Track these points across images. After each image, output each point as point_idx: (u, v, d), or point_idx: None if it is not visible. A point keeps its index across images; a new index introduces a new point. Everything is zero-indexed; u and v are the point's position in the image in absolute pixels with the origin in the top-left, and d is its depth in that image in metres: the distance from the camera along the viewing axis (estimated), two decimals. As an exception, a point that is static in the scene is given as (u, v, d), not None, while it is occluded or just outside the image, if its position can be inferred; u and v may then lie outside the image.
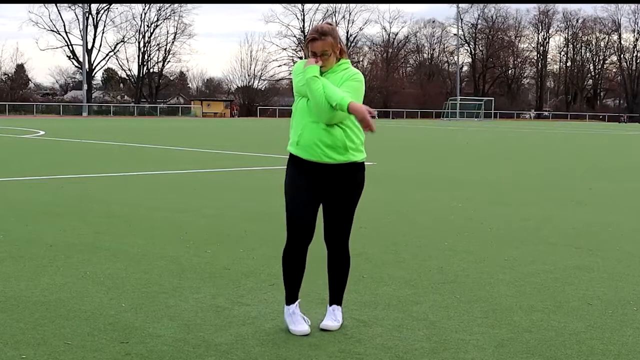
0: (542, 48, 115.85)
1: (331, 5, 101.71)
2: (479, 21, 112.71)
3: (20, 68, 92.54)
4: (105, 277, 5.64)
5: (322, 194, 4.41)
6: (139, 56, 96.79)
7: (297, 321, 4.41)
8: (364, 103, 4.36)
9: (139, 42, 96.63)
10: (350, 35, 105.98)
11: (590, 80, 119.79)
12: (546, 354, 4.10)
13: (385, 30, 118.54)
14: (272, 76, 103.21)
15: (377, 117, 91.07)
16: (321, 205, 4.47)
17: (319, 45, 4.31)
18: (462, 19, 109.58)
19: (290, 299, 4.49)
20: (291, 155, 4.42)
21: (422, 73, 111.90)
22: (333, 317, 4.50)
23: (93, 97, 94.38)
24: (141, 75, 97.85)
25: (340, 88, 4.27)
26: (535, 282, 5.74)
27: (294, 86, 4.43)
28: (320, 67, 4.31)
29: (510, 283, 5.69)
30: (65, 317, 4.60)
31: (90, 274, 5.73)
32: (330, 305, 4.57)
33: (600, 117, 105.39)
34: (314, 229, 4.41)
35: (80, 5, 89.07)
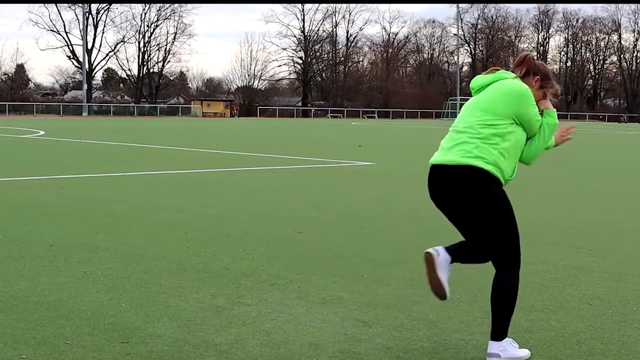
0: (542, 48, 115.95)
1: (331, 5, 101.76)
2: (479, 21, 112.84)
3: (20, 68, 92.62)
4: (105, 277, 5.64)
5: None
6: (139, 56, 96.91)
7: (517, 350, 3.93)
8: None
9: (139, 42, 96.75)
10: (350, 35, 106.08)
11: (590, 80, 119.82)
12: (546, 354, 4.10)
13: (385, 30, 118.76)
14: (272, 76, 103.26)
15: (377, 117, 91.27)
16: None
17: (551, 92, 4.07)
18: (462, 19, 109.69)
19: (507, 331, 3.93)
20: (494, 177, 3.85)
21: (422, 73, 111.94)
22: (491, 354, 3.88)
23: (93, 97, 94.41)
24: (141, 75, 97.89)
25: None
26: (535, 282, 5.74)
27: (522, 113, 3.88)
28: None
29: (510, 283, 5.68)
30: (65, 317, 4.60)
31: (90, 274, 5.73)
32: (491, 339, 3.92)
33: (600, 117, 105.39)
34: None
35: (80, 5, 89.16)
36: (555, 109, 4.11)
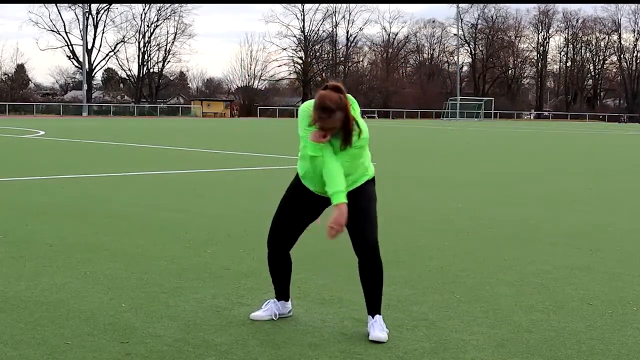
0: (542, 48, 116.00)
1: (331, 5, 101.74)
2: (479, 21, 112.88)
3: (20, 68, 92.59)
4: (105, 277, 5.64)
5: (322, 208, 4.44)
6: (139, 56, 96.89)
7: (264, 308, 4.56)
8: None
9: (139, 42, 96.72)
10: (350, 35, 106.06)
11: (590, 80, 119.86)
12: (546, 354, 4.10)
13: (385, 30, 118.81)
14: (272, 76, 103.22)
15: (377, 117, 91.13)
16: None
17: (327, 122, 4.06)
18: (462, 19, 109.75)
19: (277, 294, 4.60)
20: (298, 175, 4.43)
21: (422, 73, 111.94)
22: (380, 327, 4.29)
23: (93, 97, 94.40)
24: (141, 75, 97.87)
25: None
26: (535, 282, 5.74)
27: (300, 129, 4.23)
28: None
29: (510, 283, 5.69)
30: (65, 317, 4.60)
31: (90, 274, 5.73)
32: (372, 315, 4.35)
33: (600, 117, 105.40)
34: (295, 240, 4.51)
35: (80, 5, 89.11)
36: (314, 143, 4.10)
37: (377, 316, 4.35)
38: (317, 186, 4.29)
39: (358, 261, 4.37)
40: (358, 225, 4.28)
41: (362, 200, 4.29)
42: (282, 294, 4.60)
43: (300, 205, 4.41)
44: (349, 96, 4.15)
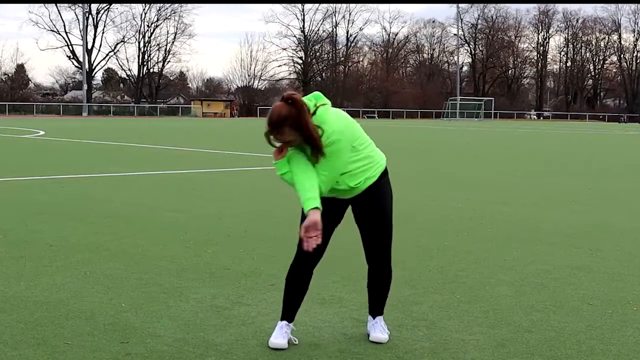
0: (542, 48, 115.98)
1: (331, 5, 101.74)
2: (479, 21, 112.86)
3: (20, 68, 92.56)
4: (105, 277, 5.64)
5: (344, 209, 4.17)
6: (139, 56, 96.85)
7: (279, 334, 4.14)
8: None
9: (139, 42, 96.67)
10: (350, 35, 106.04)
11: (590, 80, 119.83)
12: (546, 354, 4.10)
13: (385, 30, 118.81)
14: (272, 76, 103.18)
15: (377, 117, 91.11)
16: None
17: (279, 138, 3.85)
18: (462, 19, 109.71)
19: (286, 316, 4.23)
20: None
21: (422, 73, 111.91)
22: (381, 329, 4.27)
23: (93, 97, 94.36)
24: (141, 75, 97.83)
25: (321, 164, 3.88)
26: (535, 282, 5.74)
27: None
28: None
29: (510, 283, 5.69)
30: (65, 317, 4.60)
31: (90, 274, 5.73)
32: (374, 317, 4.31)
33: (600, 117, 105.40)
34: (324, 252, 4.15)
35: (80, 5, 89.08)
36: (274, 161, 3.99)
37: (378, 317, 4.32)
38: (331, 191, 4.03)
39: (368, 268, 4.24)
40: (372, 233, 4.11)
41: (377, 200, 4.08)
42: (292, 315, 4.24)
43: (326, 213, 3.99)
44: (312, 95, 3.94)
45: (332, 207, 4.10)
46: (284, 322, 4.20)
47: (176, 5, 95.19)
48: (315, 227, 3.78)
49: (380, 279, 4.25)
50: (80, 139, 27.53)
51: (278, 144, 3.92)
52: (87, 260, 6.21)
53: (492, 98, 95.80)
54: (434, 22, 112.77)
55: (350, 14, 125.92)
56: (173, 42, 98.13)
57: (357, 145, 4.01)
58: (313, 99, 3.93)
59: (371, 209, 4.09)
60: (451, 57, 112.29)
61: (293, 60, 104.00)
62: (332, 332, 4.42)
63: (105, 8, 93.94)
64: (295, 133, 3.80)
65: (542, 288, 5.55)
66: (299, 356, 4.01)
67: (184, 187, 11.85)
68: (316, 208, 3.79)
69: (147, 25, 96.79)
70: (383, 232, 4.15)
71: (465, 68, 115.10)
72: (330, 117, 3.90)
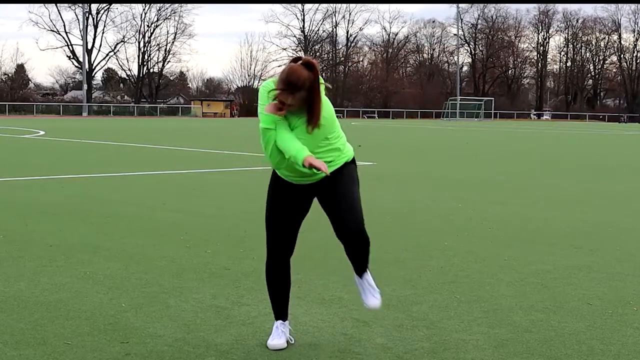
0: (542, 48, 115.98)
1: (331, 5, 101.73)
2: (479, 21, 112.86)
3: (20, 68, 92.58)
4: (105, 277, 5.64)
5: (310, 200, 4.15)
6: (139, 56, 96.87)
7: (276, 335, 4.14)
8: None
9: (139, 42, 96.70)
10: (350, 35, 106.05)
11: (590, 80, 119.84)
12: (546, 354, 4.10)
13: (385, 30, 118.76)
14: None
15: (377, 117, 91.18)
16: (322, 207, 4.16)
17: (288, 98, 3.78)
18: (462, 19, 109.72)
19: (278, 315, 4.22)
20: (274, 173, 4.13)
21: (422, 73, 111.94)
22: (371, 290, 4.12)
23: (93, 97, 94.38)
24: (141, 75, 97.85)
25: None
26: (535, 282, 5.74)
27: (259, 108, 3.95)
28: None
29: (510, 283, 5.69)
30: (65, 317, 4.60)
31: (90, 274, 5.73)
32: (360, 275, 4.13)
33: (600, 117, 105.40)
34: (294, 242, 4.18)
35: (80, 5, 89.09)
36: (267, 114, 3.85)
37: (364, 274, 4.13)
38: (294, 172, 3.97)
39: (343, 244, 4.06)
40: (339, 214, 3.99)
41: (341, 184, 4.01)
42: (283, 312, 4.22)
43: (288, 203, 4.08)
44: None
45: (298, 197, 4.10)
46: (279, 322, 4.21)
47: (176, 5, 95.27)
48: (321, 162, 3.80)
49: (356, 251, 4.05)
50: (80, 139, 27.53)
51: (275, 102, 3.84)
52: (87, 260, 6.21)
53: (492, 98, 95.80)
54: (434, 22, 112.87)
55: (350, 14, 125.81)
56: (173, 42, 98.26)
57: (331, 138, 3.99)
58: None
59: (335, 190, 4.00)
60: (451, 57, 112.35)
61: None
62: (332, 332, 4.42)
63: (105, 8, 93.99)
64: (305, 98, 3.77)
65: (542, 288, 5.55)
66: (298, 356, 4.01)
67: (184, 187, 11.85)
68: (310, 155, 3.80)
69: (147, 25, 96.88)
70: (351, 204, 4.00)
71: (465, 68, 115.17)
72: (326, 100, 3.93)
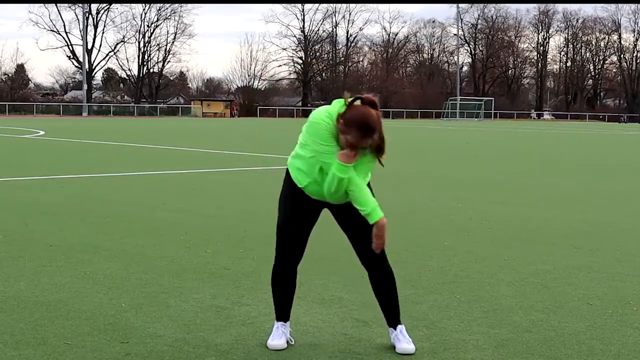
0: (542, 48, 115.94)
1: (331, 5, 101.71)
2: (479, 21, 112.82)
3: (20, 68, 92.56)
4: (105, 277, 5.64)
5: (321, 209, 4.18)
6: (139, 56, 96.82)
7: (276, 335, 4.17)
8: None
9: (139, 42, 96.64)
10: (350, 35, 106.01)
11: (590, 80, 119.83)
12: (546, 354, 4.10)
13: (385, 30, 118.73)
14: (272, 76, 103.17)
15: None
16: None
17: (365, 143, 3.81)
18: (462, 19, 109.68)
19: (279, 316, 4.25)
20: (291, 182, 4.12)
21: (422, 73, 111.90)
22: (406, 340, 4.12)
23: (93, 97, 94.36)
24: (141, 75, 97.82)
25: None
26: (535, 282, 5.74)
27: (311, 141, 3.89)
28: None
29: (510, 283, 5.69)
30: (65, 317, 4.60)
31: (90, 274, 5.73)
32: (395, 327, 4.18)
33: (600, 117, 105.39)
34: (304, 249, 4.22)
35: (80, 5, 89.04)
36: (344, 164, 3.82)
37: (399, 327, 4.17)
38: (320, 196, 4.04)
39: (368, 274, 4.20)
40: (362, 238, 4.08)
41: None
42: (286, 314, 4.25)
43: (303, 212, 4.14)
44: (337, 101, 3.95)
45: (313, 207, 4.15)
46: (280, 323, 4.23)
47: (176, 5, 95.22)
48: (384, 236, 3.94)
49: (383, 279, 4.18)
50: (80, 139, 27.53)
51: (346, 149, 3.83)
52: (87, 260, 6.21)
53: (492, 98, 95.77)
54: (434, 22, 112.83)
55: (350, 14, 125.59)
56: (173, 42, 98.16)
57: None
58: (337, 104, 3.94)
59: (355, 214, 4.02)
60: (451, 57, 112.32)
61: (293, 60, 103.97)
62: (332, 332, 4.42)
63: (105, 8, 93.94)
64: (377, 137, 3.84)
65: (542, 288, 5.55)
66: (298, 356, 4.01)
67: (184, 187, 11.85)
68: (383, 217, 3.92)
69: (147, 25, 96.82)
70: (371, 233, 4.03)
71: (465, 68, 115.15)
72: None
